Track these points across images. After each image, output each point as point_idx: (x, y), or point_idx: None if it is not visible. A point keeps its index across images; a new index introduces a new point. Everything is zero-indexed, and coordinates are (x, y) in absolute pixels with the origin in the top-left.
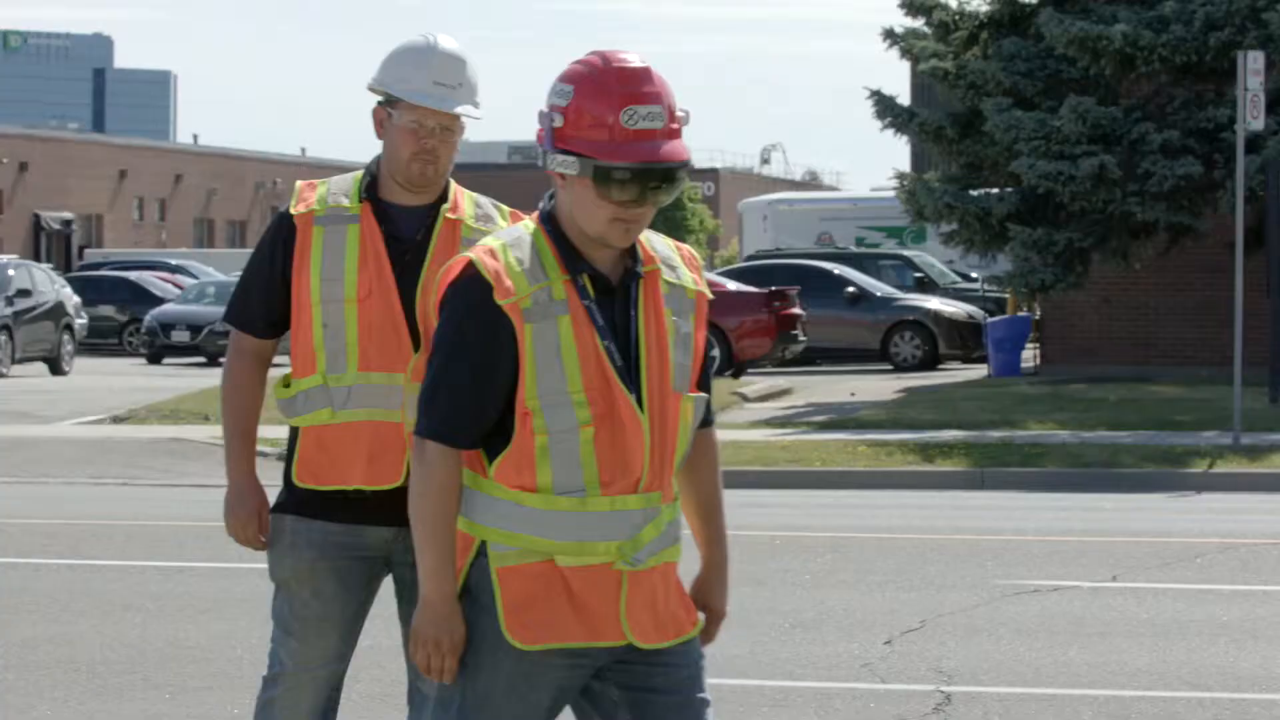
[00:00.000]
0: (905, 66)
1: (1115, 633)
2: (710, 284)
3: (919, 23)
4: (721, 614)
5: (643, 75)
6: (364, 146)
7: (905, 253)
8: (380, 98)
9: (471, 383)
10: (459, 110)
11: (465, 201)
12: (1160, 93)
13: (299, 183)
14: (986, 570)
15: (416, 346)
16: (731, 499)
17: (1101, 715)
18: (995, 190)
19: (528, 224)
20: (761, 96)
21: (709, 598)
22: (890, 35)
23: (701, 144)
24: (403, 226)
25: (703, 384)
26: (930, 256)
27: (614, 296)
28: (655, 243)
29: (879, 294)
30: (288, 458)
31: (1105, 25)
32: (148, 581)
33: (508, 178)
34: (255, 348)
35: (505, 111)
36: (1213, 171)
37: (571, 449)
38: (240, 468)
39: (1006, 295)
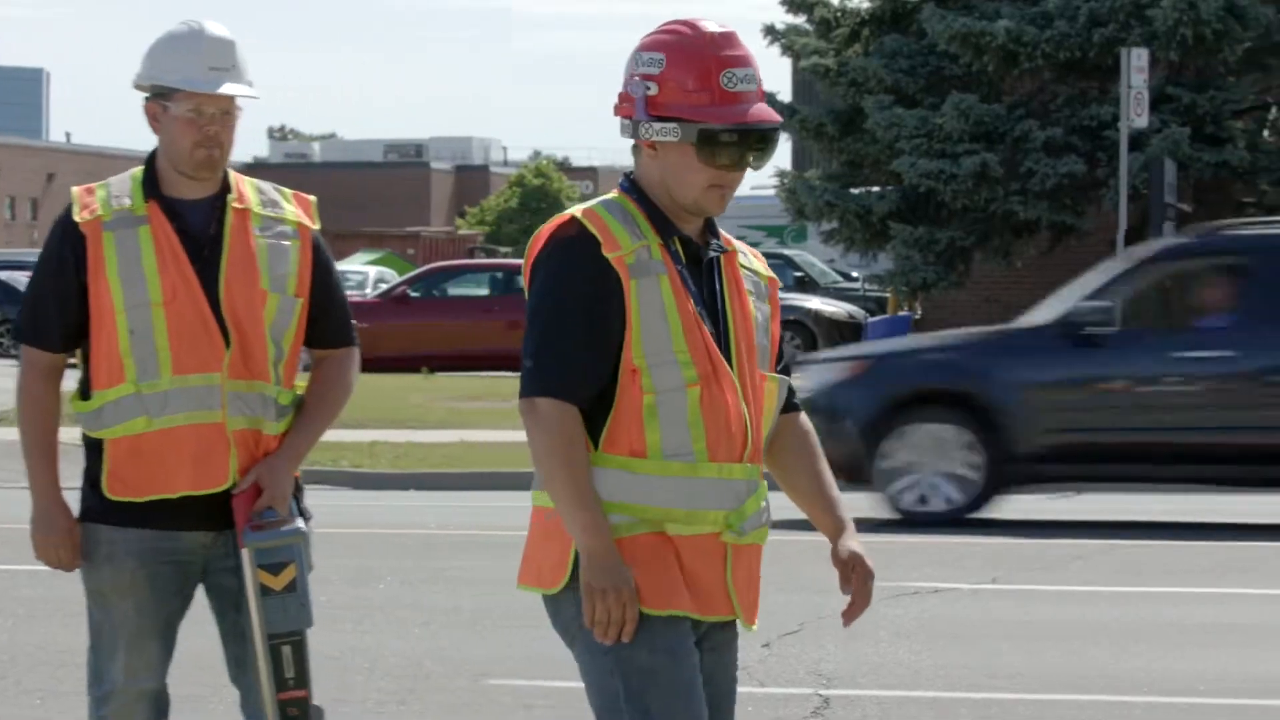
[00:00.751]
0: (786, 63)
1: (995, 635)
2: None
3: (800, 19)
4: (871, 570)
5: (734, 39)
6: (240, 143)
7: (785, 251)
8: (148, 93)
9: (583, 336)
10: (238, 92)
11: (249, 189)
12: (1043, 90)
13: (75, 189)
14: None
15: (227, 343)
16: None
17: (980, 718)
18: (876, 188)
19: (616, 195)
20: None
21: (855, 556)
22: (771, 32)
23: (580, 142)
24: (193, 221)
25: (782, 370)
26: (811, 255)
27: (699, 268)
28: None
29: None
30: (93, 469)
31: (988, 21)
32: (18, 585)
33: (384, 176)
34: (49, 362)
35: (381, 110)
36: (1096, 170)
37: (679, 409)
38: (45, 487)
39: (887, 294)
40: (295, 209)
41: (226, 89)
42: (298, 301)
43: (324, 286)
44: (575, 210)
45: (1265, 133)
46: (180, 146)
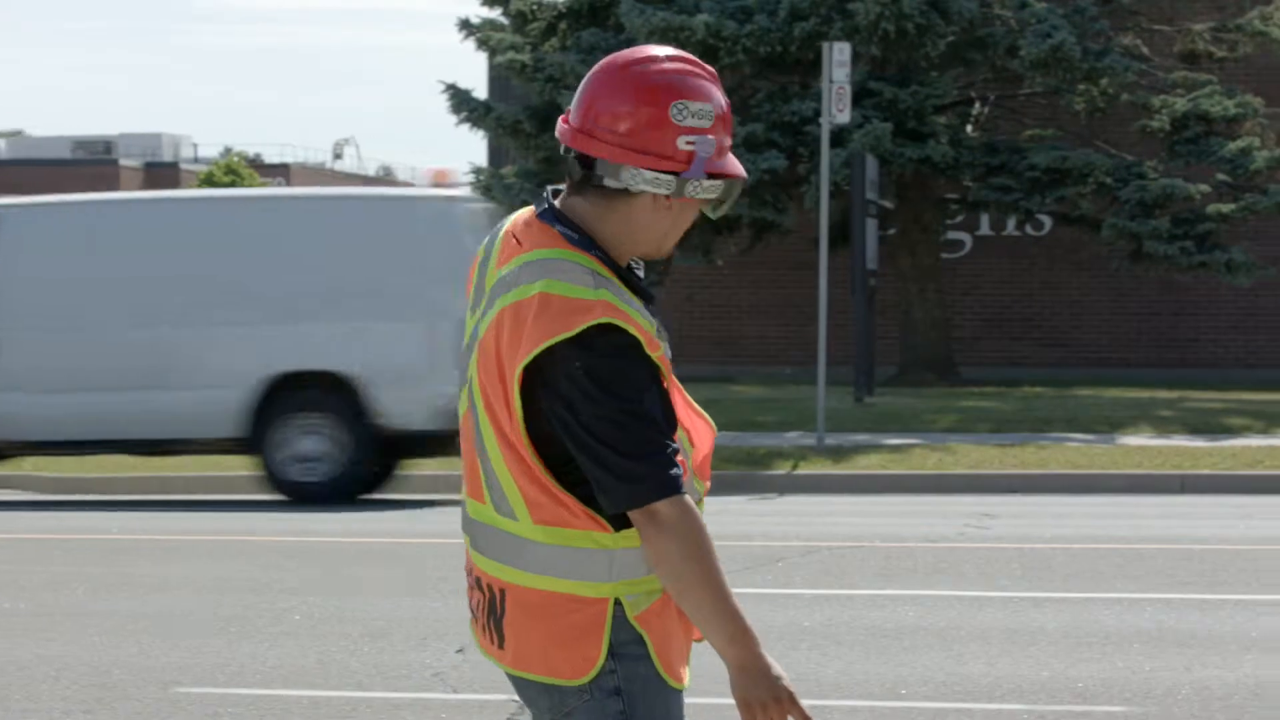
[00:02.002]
0: (482, 59)
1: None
2: None
3: (496, 13)
4: None
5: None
6: None
7: None
8: None
9: (668, 431)
10: None
11: None
12: (744, 85)
13: None
14: None
15: None
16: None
17: None
18: None
19: (580, 257)
20: (334, 89)
21: None
22: (467, 26)
23: (272, 139)
24: None
25: None
26: None
27: None
28: None
29: None
30: None
31: (687, 16)
32: None
33: (72, 173)
34: None
35: (69, 106)
36: (797, 166)
37: (690, 478)
38: None
39: None
40: None
41: None
42: None
43: None
44: (599, 309)
45: (968, 128)
46: None
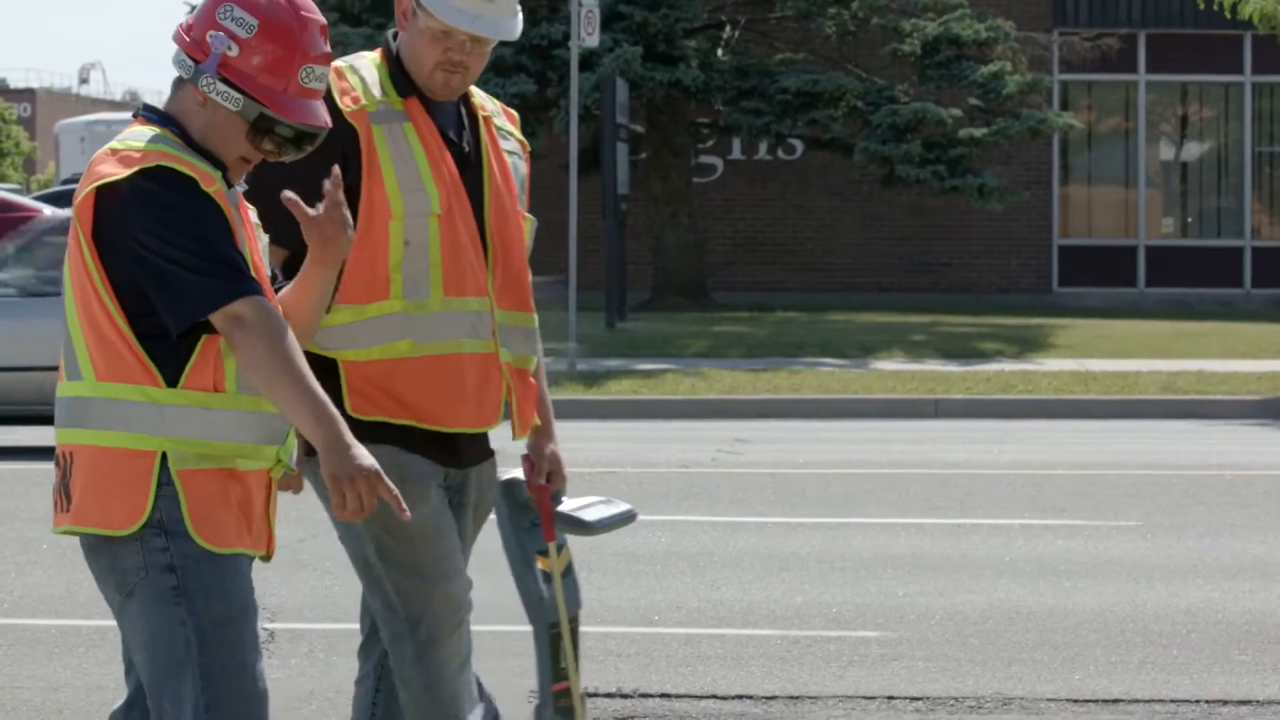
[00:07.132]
0: None
1: None
2: (25, 209)
3: None
4: None
5: (324, 32)
6: None
7: None
8: None
9: (236, 250)
10: (497, 35)
11: (480, 95)
12: None
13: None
14: (312, 503)
15: (489, 268)
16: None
17: None
18: None
19: (151, 129)
20: (79, 14)
21: None
22: None
23: (17, 63)
24: (446, 126)
25: None
26: None
27: None
28: None
29: None
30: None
31: None
32: None
33: None
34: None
35: None
36: (546, 90)
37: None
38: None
39: None
40: (513, 126)
41: (483, 29)
42: (533, 224)
43: None
44: (161, 155)
45: (719, 51)
46: (422, 61)
